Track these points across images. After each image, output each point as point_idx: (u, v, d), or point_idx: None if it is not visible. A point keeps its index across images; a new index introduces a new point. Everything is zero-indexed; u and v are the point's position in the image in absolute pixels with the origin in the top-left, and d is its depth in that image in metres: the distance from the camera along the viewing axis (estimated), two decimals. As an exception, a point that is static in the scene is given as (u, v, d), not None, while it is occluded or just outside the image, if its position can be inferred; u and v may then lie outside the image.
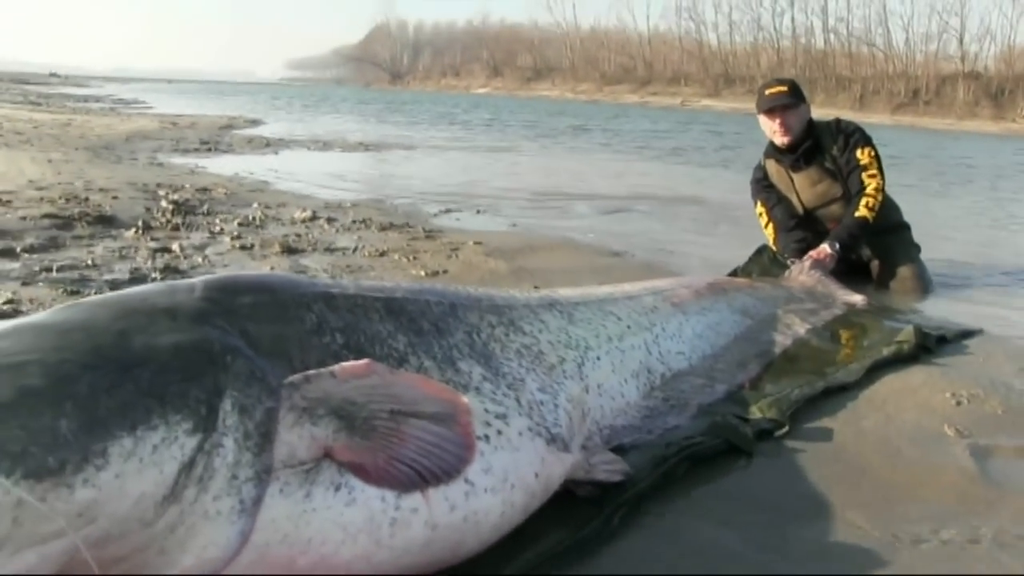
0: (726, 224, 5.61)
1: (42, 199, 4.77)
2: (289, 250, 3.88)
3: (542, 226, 5.20)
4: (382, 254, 3.92)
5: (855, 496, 1.59)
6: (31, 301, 2.71)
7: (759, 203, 3.90)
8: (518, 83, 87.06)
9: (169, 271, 3.27)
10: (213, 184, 6.11)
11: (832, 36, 63.28)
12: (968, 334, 2.86)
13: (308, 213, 4.90)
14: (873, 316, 3.06)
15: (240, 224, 4.51)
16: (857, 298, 3.21)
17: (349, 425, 1.08)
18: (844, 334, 2.77)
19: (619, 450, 1.59)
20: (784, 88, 3.65)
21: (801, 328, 2.67)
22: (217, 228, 4.35)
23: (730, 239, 4.75)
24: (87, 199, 4.87)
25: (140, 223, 4.23)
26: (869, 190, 3.57)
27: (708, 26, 72.14)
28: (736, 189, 5.41)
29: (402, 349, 1.31)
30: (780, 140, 3.67)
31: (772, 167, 3.85)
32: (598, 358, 1.76)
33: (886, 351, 2.46)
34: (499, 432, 1.28)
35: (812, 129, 3.71)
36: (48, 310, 1.10)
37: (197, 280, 1.20)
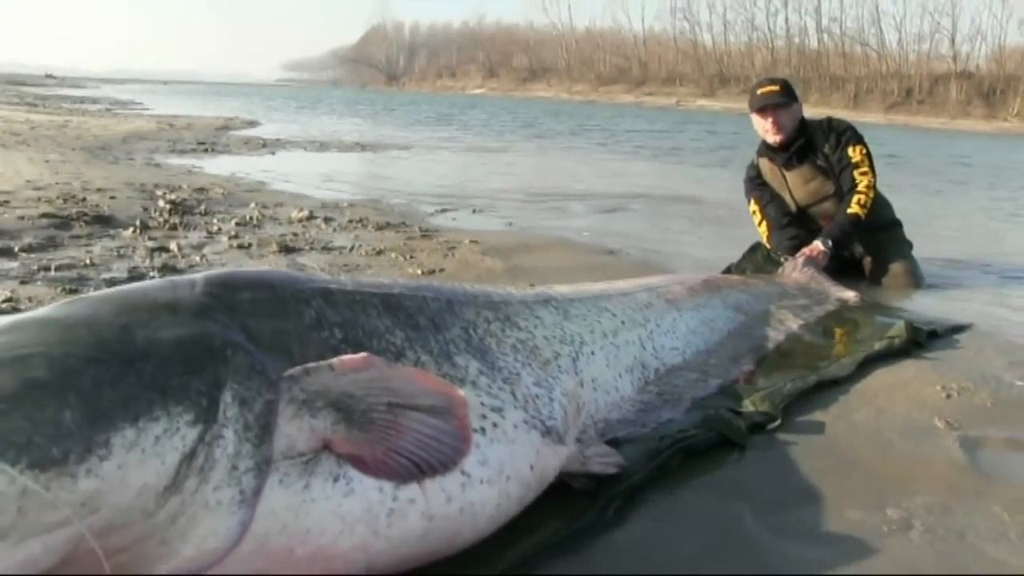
0: (720, 222, 5.64)
1: (40, 199, 4.78)
2: (286, 249, 3.90)
3: (538, 225, 5.22)
4: (379, 253, 3.94)
5: (846, 487, 1.61)
6: (30, 299, 2.73)
7: (752, 201, 3.93)
8: (514, 84, 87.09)
9: (167, 270, 3.29)
10: (210, 184, 6.12)
11: (826, 36, 63.51)
12: (959, 329, 2.88)
13: (305, 213, 4.92)
14: (865, 312, 3.09)
15: (237, 224, 4.53)
16: (850, 294, 3.24)
17: (347, 417, 1.09)
18: (836, 330, 2.80)
19: (614, 443, 1.61)
20: (776, 87, 3.68)
21: (794, 324, 2.70)
22: (214, 227, 4.37)
23: (724, 237, 4.77)
24: (85, 199, 4.89)
25: (138, 223, 4.24)
26: (861, 187, 3.60)
27: (703, 26, 72.32)
28: (731, 188, 5.43)
29: (399, 344, 1.33)
30: (772, 138, 3.70)
31: (765, 165, 3.88)
32: (593, 353, 1.78)
33: (878, 346, 2.48)
34: (495, 425, 1.30)
35: (804, 127, 3.74)
36: (51, 305, 1.12)
37: (198, 276, 1.22)
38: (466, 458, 1.16)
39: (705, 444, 1.71)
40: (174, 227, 4.31)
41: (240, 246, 3.93)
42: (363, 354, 1.13)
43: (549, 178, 8.61)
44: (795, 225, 3.81)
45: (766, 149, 3.83)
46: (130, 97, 31.04)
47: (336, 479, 1.08)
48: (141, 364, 0.98)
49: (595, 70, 79.22)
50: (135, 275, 3.18)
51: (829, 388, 2.17)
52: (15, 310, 2.57)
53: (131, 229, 4.10)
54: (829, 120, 3.81)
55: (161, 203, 4.90)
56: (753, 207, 3.93)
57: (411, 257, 3.87)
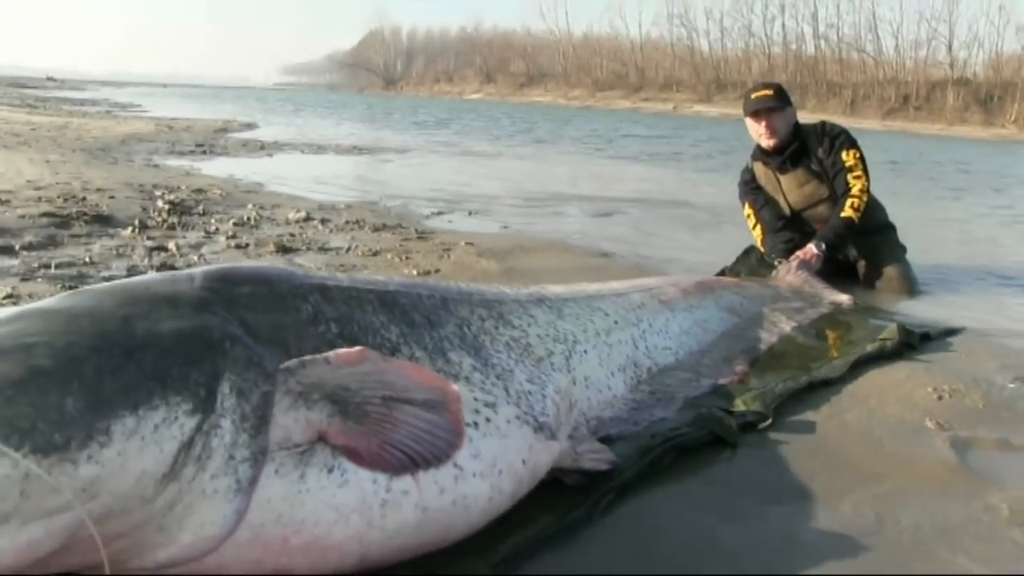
0: (715, 227, 5.67)
1: (40, 198, 4.80)
2: (283, 249, 3.92)
3: (533, 228, 5.24)
4: (375, 254, 3.96)
5: (837, 485, 1.62)
6: (30, 296, 2.75)
7: (747, 205, 3.95)
8: (511, 89, 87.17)
9: (165, 269, 3.31)
10: (208, 185, 6.14)
11: (822, 42, 63.64)
12: (952, 332, 2.90)
13: (302, 214, 4.94)
14: (858, 315, 3.11)
15: (235, 224, 4.55)
16: (843, 297, 3.26)
17: (343, 410, 1.11)
18: (829, 332, 2.82)
19: (606, 440, 1.63)
20: (770, 92, 3.71)
21: (787, 326, 2.72)
22: (212, 228, 4.39)
23: (719, 241, 4.80)
24: (84, 199, 4.91)
25: (137, 222, 4.27)
26: (854, 191, 3.62)
27: (700, 32, 72.52)
28: (726, 193, 5.46)
29: (394, 339, 1.34)
30: (766, 143, 3.73)
31: (759, 169, 3.90)
32: (586, 352, 1.80)
33: (870, 347, 2.50)
34: (488, 420, 1.32)
35: (798, 131, 3.76)
36: (55, 296, 1.14)
37: (197, 270, 1.24)
38: (459, 451, 1.18)
39: (697, 442, 1.73)
40: (172, 227, 4.34)
41: (238, 246, 3.95)
42: (358, 348, 1.15)
43: (545, 182, 8.63)
44: (789, 229, 3.83)
45: (760, 153, 3.85)
46: (129, 99, 31.03)
47: (331, 470, 1.10)
48: (141, 354, 1.00)
49: (592, 75, 79.34)
50: (134, 273, 3.20)
51: (821, 389, 2.19)
52: (16, 306, 2.59)
53: (130, 228, 4.13)
54: (823, 124, 3.84)
55: (160, 203, 4.93)
56: (747, 211, 3.95)
57: (407, 258, 3.89)
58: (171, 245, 3.80)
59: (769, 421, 1.91)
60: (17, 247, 3.53)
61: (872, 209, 3.74)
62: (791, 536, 1.42)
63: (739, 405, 1.95)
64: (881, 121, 50.84)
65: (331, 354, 1.12)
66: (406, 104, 48.48)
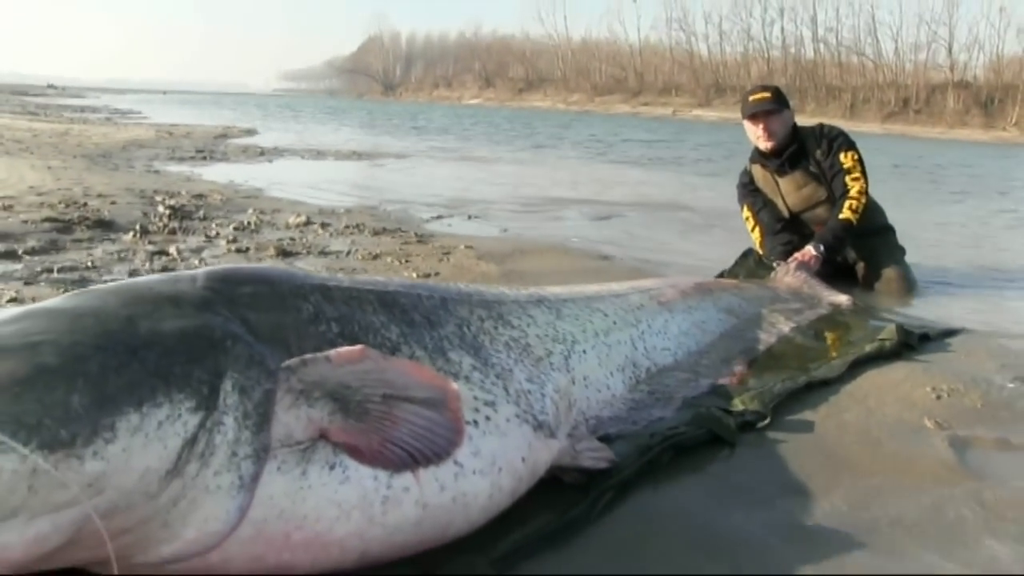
0: (714, 229, 5.68)
1: (42, 204, 4.83)
2: (284, 253, 3.94)
3: (533, 231, 5.26)
4: (375, 257, 3.97)
5: (835, 484, 1.63)
6: (33, 299, 2.77)
7: (745, 207, 3.96)
8: (510, 94, 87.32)
9: (167, 273, 3.33)
10: (209, 190, 6.16)
11: (822, 46, 63.75)
12: (951, 333, 2.90)
13: (302, 218, 4.96)
14: (857, 316, 3.11)
15: (235, 228, 4.57)
16: (842, 298, 3.27)
17: (344, 408, 1.12)
18: (828, 332, 2.82)
19: (605, 440, 1.64)
20: (767, 94, 3.72)
21: (786, 327, 2.73)
22: (213, 232, 4.41)
23: (718, 244, 4.81)
24: (86, 204, 4.94)
25: (138, 227, 4.29)
26: (853, 193, 3.63)
27: (698, 37, 72.54)
28: (725, 196, 5.48)
29: (395, 339, 1.35)
30: (764, 145, 3.74)
31: (758, 172, 3.92)
32: (584, 352, 1.81)
33: (869, 348, 2.50)
34: (487, 418, 1.33)
35: (796, 134, 3.78)
36: (60, 296, 1.15)
37: (199, 271, 1.25)
38: (459, 449, 1.19)
39: (695, 441, 1.74)
40: (173, 231, 4.36)
41: (238, 250, 3.97)
42: (359, 346, 1.16)
43: (545, 186, 8.65)
44: (788, 231, 3.84)
45: (758, 155, 3.87)
46: (129, 106, 31.13)
47: (332, 467, 1.11)
48: (145, 352, 1.02)
49: (591, 80, 79.48)
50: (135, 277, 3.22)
51: (819, 388, 2.19)
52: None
53: (131, 233, 4.15)
54: (821, 126, 3.85)
55: (160, 208, 4.95)
56: (746, 213, 3.96)
57: (407, 261, 3.91)
58: (172, 249, 3.82)
59: (767, 420, 1.92)
60: (20, 251, 3.56)
61: (871, 211, 3.75)
62: (790, 534, 1.42)
63: (737, 405, 1.96)
64: (881, 124, 50.89)
65: (332, 352, 1.13)
66: (405, 109, 48.58)
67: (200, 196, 5.79)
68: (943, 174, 13.90)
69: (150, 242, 4.03)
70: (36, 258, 3.50)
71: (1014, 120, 48.36)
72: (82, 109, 26.71)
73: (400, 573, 1.18)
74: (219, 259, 3.76)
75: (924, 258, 4.29)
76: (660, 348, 2.14)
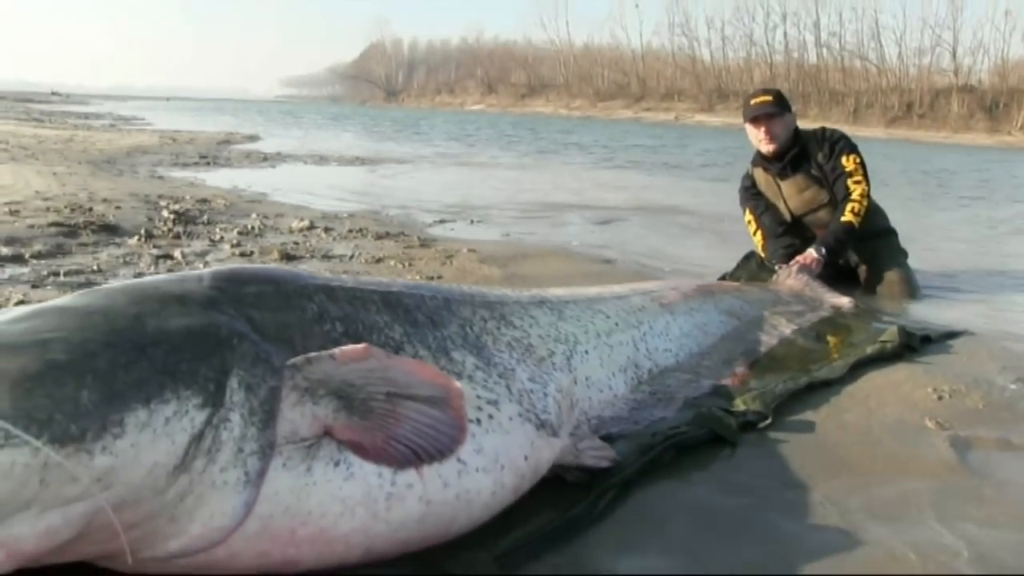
0: (716, 233, 5.69)
1: (48, 209, 4.86)
2: (287, 257, 3.96)
3: (535, 235, 5.27)
4: (378, 261, 3.99)
5: (836, 483, 1.63)
6: (40, 303, 2.80)
7: (747, 211, 3.97)
8: (512, 100, 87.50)
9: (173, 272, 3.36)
10: (212, 196, 6.19)
11: (825, 51, 63.83)
12: (953, 335, 2.90)
13: (305, 223, 4.98)
14: (859, 318, 3.12)
15: (239, 233, 4.60)
16: (844, 301, 3.27)
17: (348, 405, 1.14)
18: (829, 334, 2.83)
19: (607, 439, 1.65)
20: (769, 97, 3.73)
21: (787, 329, 2.74)
22: (217, 236, 4.43)
23: (720, 247, 4.82)
24: (91, 209, 4.97)
25: (143, 231, 4.32)
26: (855, 196, 3.64)
27: (701, 42, 72.84)
28: (727, 200, 5.49)
29: (398, 338, 1.37)
30: (765, 148, 3.75)
31: (760, 175, 3.93)
32: (587, 352, 1.82)
33: (870, 349, 2.51)
34: (490, 416, 1.34)
35: (798, 137, 3.79)
36: (69, 295, 1.16)
37: (205, 271, 1.27)
38: (462, 447, 1.20)
39: (697, 441, 1.74)
40: (178, 236, 4.38)
41: (242, 254, 3.99)
42: (363, 345, 1.17)
43: (547, 192, 8.66)
44: (790, 234, 3.85)
45: (760, 159, 3.88)
46: (133, 113, 31.23)
47: (337, 464, 1.12)
48: (153, 350, 1.03)
49: (593, 86, 79.64)
50: (140, 281, 3.24)
51: (821, 389, 2.19)
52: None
53: (136, 237, 4.18)
54: (823, 130, 3.87)
55: (165, 213, 4.98)
56: (748, 217, 3.97)
57: (410, 265, 3.92)
58: (177, 253, 3.85)
59: (769, 421, 1.92)
60: (27, 256, 3.59)
61: (873, 214, 3.76)
62: (790, 534, 1.43)
63: (739, 405, 1.96)
64: (884, 129, 50.88)
65: (336, 351, 1.15)
66: (408, 115, 48.68)
67: (204, 201, 5.82)
68: (949, 178, 13.90)
69: (155, 246, 4.05)
70: (43, 262, 3.53)
71: (1019, 124, 48.30)
72: (86, 116, 26.81)
73: (403, 572, 1.19)
74: (223, 263, 3.78)
75: (928, 262, 4.29)
76: (662, 349, 2.15)
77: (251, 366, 1.09)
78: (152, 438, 0.97)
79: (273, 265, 3.61)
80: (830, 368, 2.34)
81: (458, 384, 1.23)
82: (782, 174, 3.81)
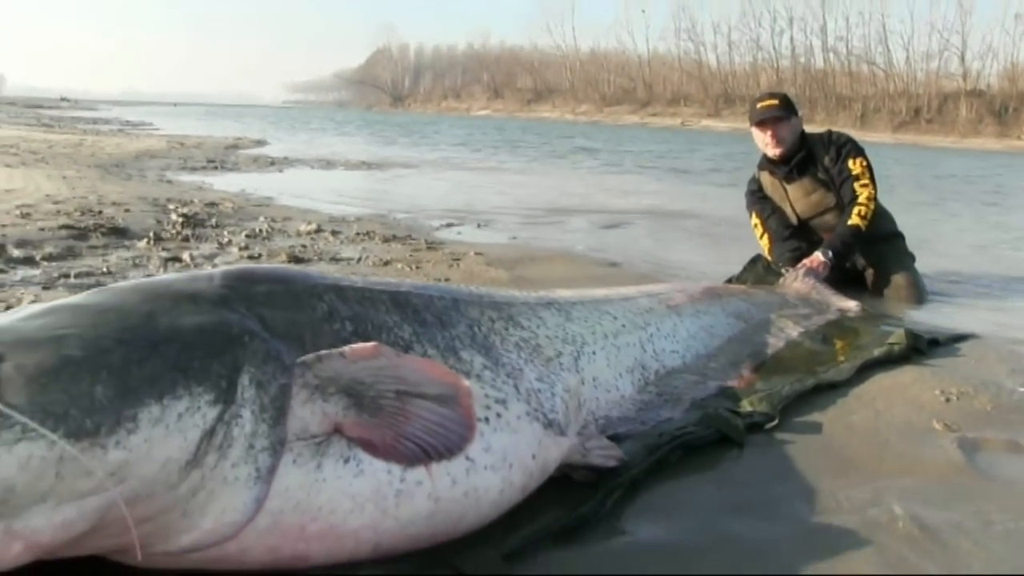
0: (723, 237, 5.69)
1: (59, 212, 4.91)
2: (295, 260, 3.98)
3: (542, 239, 5.28)
4: (386, 263, 4.01)
5: (843, 484, 1.63)
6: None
7: (754, 214, 3.97)
8: (518, 105, 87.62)
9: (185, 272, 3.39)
10: (220, 199, 6.23)
11: (832, 55, 63.67)
12: (961, 338, 2.89)
13: (313, 226, 5.01)
14: (866, 321, 3.11)
15: (247, 236, 4.63)
16: (851, 304, 3.27)
17: (358, 403, 1.15)
18: (836, 337, 2.82)
19: (614, 439, 1.65)
20: (775, 101, 3.73)
21: (794, 331, 2.74)
22: (225, 239, 4.46)
23: (726, 251, 4.82)
24: (101, 212, 5.01)
25: (151, 234, 4.36)
26: (861, 199, 3.64)
27: (707, 47, 72.66)
28: (734, 204, 5.49)
29: (407, 338, 1.38)
30: (772, 152, 3.75)
31: (766, 179, 3.93)
32: (594, 353, 1.83)
33: (877, 352, 2.50)
34: (499, 415, 1.35)
35: (805, 140, 3.79)
36: (82, 293, 1.18)
37: (216, 270, 1.28)
38: (471, 445, 1.21)
39: (703, 441, 1.75)
40: (186, 239, 4.41)
41: (250, 257, 4.02)
42: (372, 343, 1.18)
43: (554, 195, 8.68)
44: (796, 237, 3.85)
45: (767, 162, 3.88)
46: (141, 118, 31.42)
47: (347, 460, 1.13)
48: (165, 347, 1.05)
49: (600, 91, 79.69)
50: (149, 284, 3.27)
51: (827, 391, 2.19)
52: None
53: (145, 240, 4.22)
54: (829, 133, 3.86)
55: (173, 216, 5.02)
56: (754, 220, 3.97)
57: (417, 267, 3.94)
58: (185, 256, 3.88)
59: (776, 422, 1.92)
60: (38, 258, 3.63)
61: (879, 217, 3.75)
62: (797, 534, 1.43)
63: (746, 406, 1.97)
64: (892, 134, 50.70)
65: (346, 349, 1.16)
66: (414, 121, 48.81)
67: (212, 204, 5.85)
68: (959, 184, 13.84)
69: (164, 249, 4.09)
70: (53, 264, 3.57)
71: (1029, 128, 48.03)
72: (95, 121, 26.99)
73: (412, 569, 1.20)
74: (232, 265, 3.80)
75: (936, 266, 4.28)
76: (669, 351, 2.16)
77: (262, 363, 1.11)
78: (165, 433, 0.99)
79: (283, 265, 3.64)
80: (837, 370, 2.34)
81: (467, 382, 1.24)
82: (788, 178, 3.81)
